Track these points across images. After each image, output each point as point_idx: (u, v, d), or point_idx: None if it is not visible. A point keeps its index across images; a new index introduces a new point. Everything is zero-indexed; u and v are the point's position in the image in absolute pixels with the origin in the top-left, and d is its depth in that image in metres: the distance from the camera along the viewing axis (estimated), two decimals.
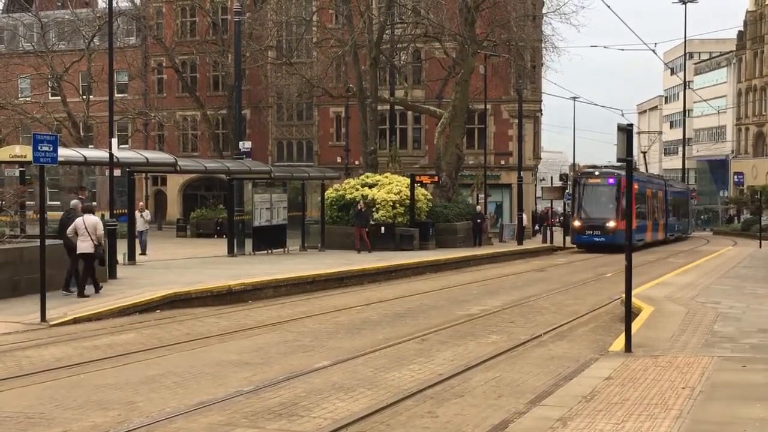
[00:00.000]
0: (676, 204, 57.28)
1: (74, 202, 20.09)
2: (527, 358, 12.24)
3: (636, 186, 38.97)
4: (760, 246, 42.33)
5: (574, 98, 69.66)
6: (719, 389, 9.47)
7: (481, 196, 46.39)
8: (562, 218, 53.64)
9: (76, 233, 17.82)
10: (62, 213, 20.05)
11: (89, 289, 17.82)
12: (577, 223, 42.37)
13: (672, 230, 53.78)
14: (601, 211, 41.18)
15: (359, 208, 33.05)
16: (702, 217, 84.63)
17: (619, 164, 43.83)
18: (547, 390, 9.88)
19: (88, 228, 17.77)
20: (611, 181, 41.61)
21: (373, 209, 33.69)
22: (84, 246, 17.76)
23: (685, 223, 60.01)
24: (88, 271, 17.87)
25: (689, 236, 61.47)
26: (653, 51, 47.19)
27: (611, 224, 40.24)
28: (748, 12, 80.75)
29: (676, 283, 21.25)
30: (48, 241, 16.11)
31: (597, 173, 42.90)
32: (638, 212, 42.44)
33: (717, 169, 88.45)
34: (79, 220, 17.95)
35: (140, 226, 29.15)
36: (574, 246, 43.02)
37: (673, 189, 57.39)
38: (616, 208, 40.74)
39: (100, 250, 18.08)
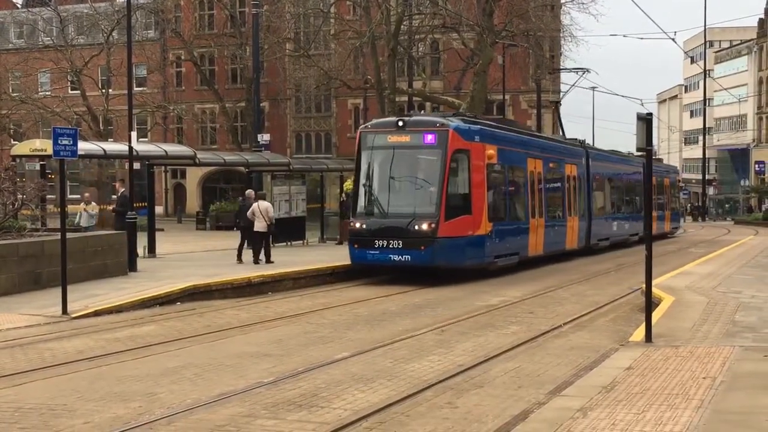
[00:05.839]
0: (623, 189, 36.94)
1: (248, 192, 25.56)
2: (547, 349, 12.21)
3: (491, 151, 22.39)
4: None
5: (592, 88, 69.34)
6: (741, 379, 9.42)
7: None
8: None
9: (254, 214, 22.57)
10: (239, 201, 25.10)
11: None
12: (357, 225, 21.76)
13: (600, 232, 31.69)
14: (408, 200, 21.51)
15: None
16: (725, 206, 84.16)
17: (450, 114, 24.90)
18: (567, 380, 9.85)
19: (261, 211, 22.55)
20: (430, 138, 21.37)
21: None
22: (259, 226, 22.61)
23: (636, 219, 36.64)
24: (266, 245, 22.74)
25: (674, 235, 45.50)
26: (673, 40, 46.59)
27: (425, 226, 20.70)
28: None
29: (697, 273, 21.12)
30: (69, 235, 16.27)
31: (401, 123, 21.50)
32: (499, 203, 23.56)
33: (738, 158, 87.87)
34: (255, 205, 22.79)
35: (84, 221, 26.36)
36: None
37: (607, 163, 34.66)
38: (439, 193, 20.93)
39: (272, 228, 23.03)
